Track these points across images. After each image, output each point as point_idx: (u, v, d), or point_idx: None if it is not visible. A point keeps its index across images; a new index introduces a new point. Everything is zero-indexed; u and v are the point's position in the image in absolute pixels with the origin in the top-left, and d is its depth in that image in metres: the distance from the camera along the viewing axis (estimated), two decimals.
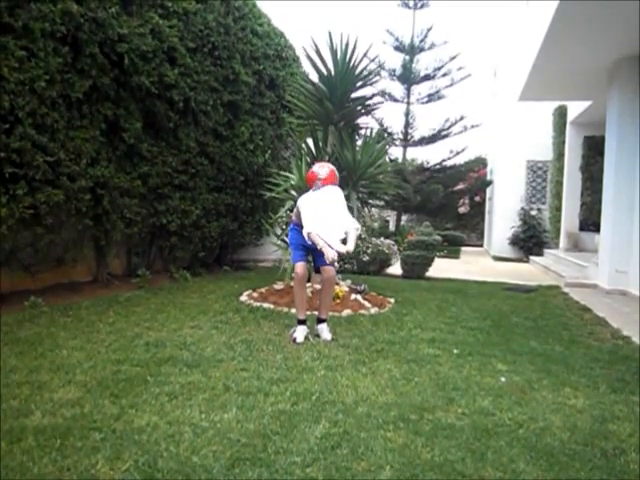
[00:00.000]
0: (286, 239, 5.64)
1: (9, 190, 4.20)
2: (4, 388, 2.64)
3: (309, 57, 5.93)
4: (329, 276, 4.07)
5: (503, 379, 3.17)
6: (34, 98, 4.30)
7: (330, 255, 3.67)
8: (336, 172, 4.30)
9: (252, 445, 2.15)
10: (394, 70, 14.56)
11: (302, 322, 3.99)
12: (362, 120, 6.57)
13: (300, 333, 3.90)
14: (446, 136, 14.60)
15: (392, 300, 5.78)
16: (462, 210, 18.89)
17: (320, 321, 4.08)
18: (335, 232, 3.80)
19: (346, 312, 4.91)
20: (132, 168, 5.74)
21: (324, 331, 4.01)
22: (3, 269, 4.76)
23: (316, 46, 5.81)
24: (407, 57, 14.63)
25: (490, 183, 16.40)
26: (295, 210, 4.24)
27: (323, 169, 4.27)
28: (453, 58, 14.38)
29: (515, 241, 14.30)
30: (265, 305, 5.05)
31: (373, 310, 5.11)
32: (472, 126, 14.56)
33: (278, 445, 2.15)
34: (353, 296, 5.44)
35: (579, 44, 7.01)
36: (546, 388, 3.05)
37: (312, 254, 4.16)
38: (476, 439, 2.31)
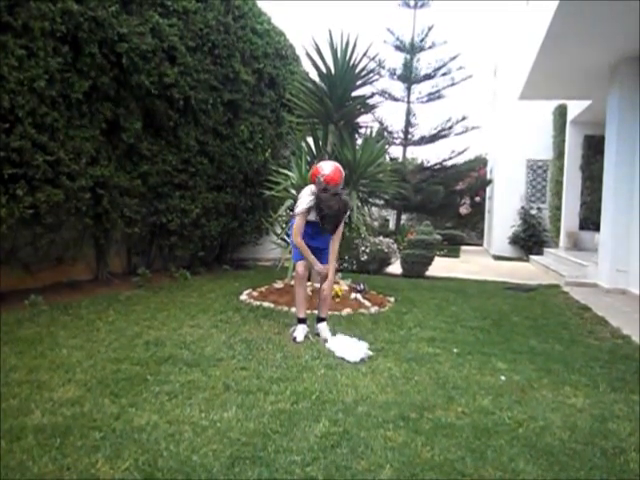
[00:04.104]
0: (286, 238, 5.65)
1: (9, 190, 4.19)
2: (4, 387, 2.63)
3: (309, 55, 5.93)
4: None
5: (503, 378, 3.17)
6: (34, 97, 4.29)
7: (322, 270, 3.99)
8: (341, 169, 4.29)
9: (252, 444, 2.15)
10: (394, 69, 14.55)
11: (302, 321, 3.99)
12: (362, 119, 6.57)
13: (300, 332, 3.90)
14: (446, 136, 14.60)
15: (392, 299, 5.78)
16: (463, 211, 18.82)
17: (320, 320, 4.08)
18: None
19: (346, 311, 4.91)
20: (132, 167, 5.73)
21: (324, 330, 4.01)
22: (3, 268, 4.76)
23: (316, 44, 5.81)
24: (407, 56, 14.63)
25: (490, 182, 16.39)
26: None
27: (327, 165, 4.29)
28: (453, 58, 14.37)
29: (515, 240, 14.30)
30: (265, 304, 5.05)
31: (373, 309, 5.11)
32: (473, 127, 14.56)
33: (278, 444, 2.15)
34: (353, 295, 5.44)
35: (579, 43, 7.01)
36: (546, 387, 3.05)
37: (313, 253, 4.15)
38: (476, 438, 2.31)
